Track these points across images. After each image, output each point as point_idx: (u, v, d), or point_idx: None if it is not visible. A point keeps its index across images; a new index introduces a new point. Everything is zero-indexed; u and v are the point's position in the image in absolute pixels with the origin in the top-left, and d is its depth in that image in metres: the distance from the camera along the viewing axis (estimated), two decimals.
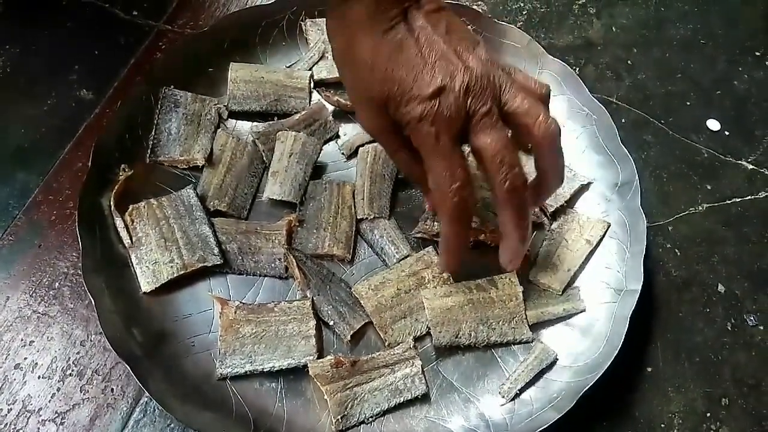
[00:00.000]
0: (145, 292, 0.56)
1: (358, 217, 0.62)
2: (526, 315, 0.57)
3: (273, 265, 0.59)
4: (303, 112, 0.67)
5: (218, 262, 0.58)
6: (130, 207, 0.59)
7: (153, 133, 0.63)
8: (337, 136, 0.67)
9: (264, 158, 0.64)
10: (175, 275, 0.57)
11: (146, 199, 0.60)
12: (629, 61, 0.77)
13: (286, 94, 0.67)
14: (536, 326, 0.58)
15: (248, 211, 0.62)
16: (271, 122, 0.66)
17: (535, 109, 0.50)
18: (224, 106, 0.66)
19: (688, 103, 0.75)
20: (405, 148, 0.53)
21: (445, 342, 0.55)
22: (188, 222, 0.59)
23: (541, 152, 0.52)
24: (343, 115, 0.68)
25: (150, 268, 0.57)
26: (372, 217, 0.61)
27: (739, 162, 0.71)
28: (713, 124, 0.73)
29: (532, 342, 0.57)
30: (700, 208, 0.68)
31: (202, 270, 0.58)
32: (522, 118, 0.50)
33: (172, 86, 0.65)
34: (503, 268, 0.56)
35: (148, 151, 0.62)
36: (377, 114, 0.52)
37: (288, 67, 0.70)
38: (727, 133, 0.73)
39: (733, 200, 0.68)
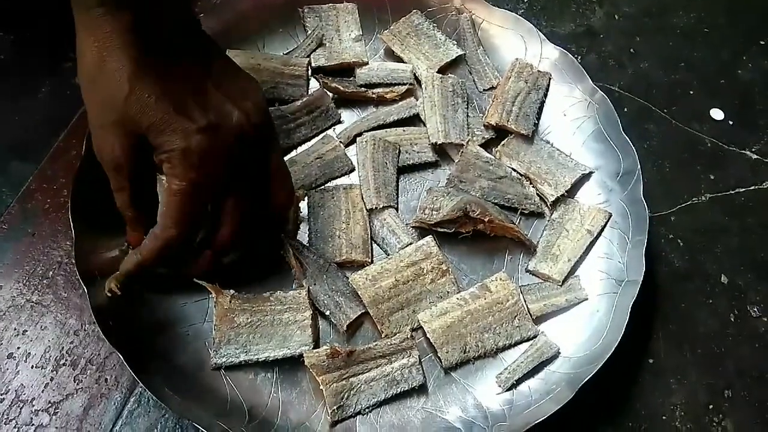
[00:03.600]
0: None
1: (368, 208, 0.61)
2: (528, 310, 0.57)
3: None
4: (304, 99, 0.66)
5: None
6: None
7: None
8: (339, 122, 0.66)
9: None
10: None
11: None
12: (632, 50, 0.76)
13: (283, 82, 0.66)
14: (537, 319, 0.57)
15: None
16: (272, 108, 0.65)
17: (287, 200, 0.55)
18: None
19: (691, 92, 0.73)
20: (133, 186, 0.49)
21: (455, 360, 0.54)
22: None
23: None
24: (342, 102, 0.67)
25: None
26: (381, 206, 0.60)
27: (743, 152, 0.70)
28: (717, 114, 0.72)
29: (537, 337, 0.56)
30: (703, 198, 0.67)
31: None
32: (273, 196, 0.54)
33: None
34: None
35: None
36: (122, 141, 0.46)
37: (285, 54, 0.69)
38: (730, 122, 0.72)
39: (737, 190, 0.67)
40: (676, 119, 0.71)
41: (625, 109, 0.71)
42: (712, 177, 0.68)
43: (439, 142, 0.63)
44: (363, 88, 0.67)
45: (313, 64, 0.68)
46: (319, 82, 0.67)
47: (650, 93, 0.73)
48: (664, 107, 0.72)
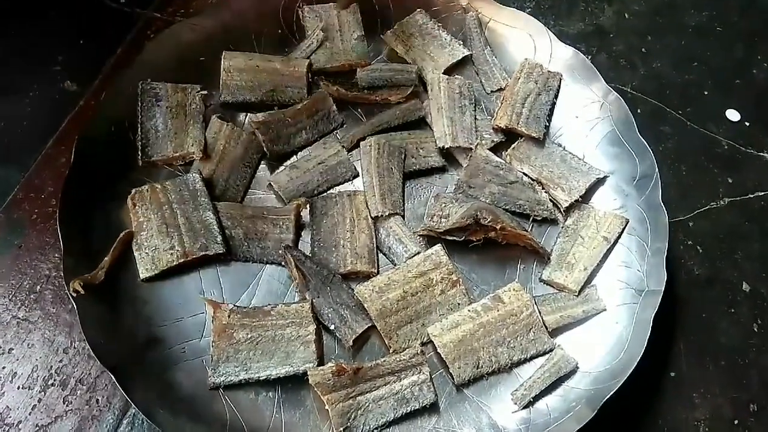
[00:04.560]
0: (142, 279, 0.54)
1: (373, 215, 0.58)
2: (544, 322, 0.54)
3: (281, 251, 0.56)
4: (305, 102, 0.63)
5: (220, 251, 0.55)
6: (133, 191, 0.56)
7: (139, 133, 0.59)
8: (341, 126, 0.64)
9: (265, 148, 0.60)
10: (174, 263, 0.54)
11: (150, 183, 0.57)
12: (643, 49, 0.74)
13: (283, 84, 0.63)
14: (554, 331, 0.54)
15: (242, 202, 0.59)
16: (271, 111, 0.62)
17: None
18: (212, 94, 0.62)
19: (706, 93, 0.71)
20: None
21: (468, 377, 0.52)
22: (192, 208, 0.56)
23: None
24: (344, 104, 0.64)
25: (149, 255, 0.54)
26: (387, 214, 0.58)
27: (761, 154, 0.67)
28: (733, 115, 0.70)
29: (554, 350, 0.53)
30: (722, 202, 0.64)
31: (199, 262, 0.55)
32: None
33: (149, 79, 0.61)
34: None
35: (139, 152, 0.58)
36: None
37: (284, 55, 0.66)
38: (747, 123, 0.69)
39: (756, 194, 0.65)
40: (691, 121, 0.69)
41: (639, 111, 0.68)
42: (730, 180, 0.65)
43: (446, 146, 0.61)
44: (366, 91, 0.64)
45: (313, 66, 0.65)
46: (320, 84, 0.64)
47: (663, 94, 0.70)
48: (678, 108, 0.69)
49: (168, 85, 0.61)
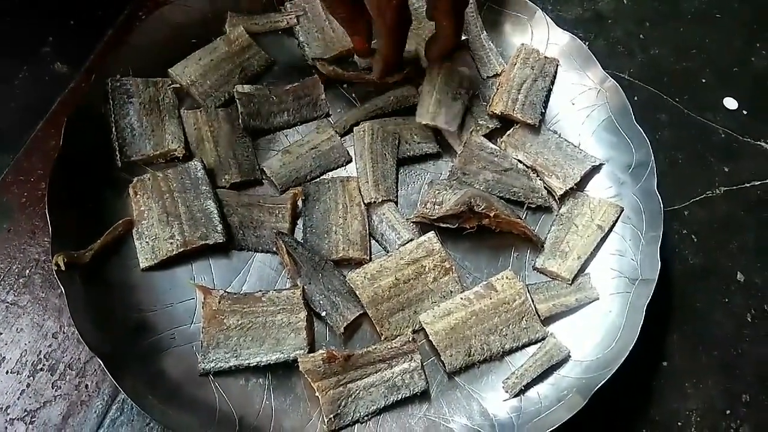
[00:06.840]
0: (143, 269, 0.53)
1: (366, 202, 0.57)
2: (536, 310, 0.53)
3: (273, 237, 0.55)
4: (295, 84, 0.62)
5: (221, 240, 0.54)
6: (135, 179, 0.55)
7: (114, 132, 0.57)
8: (327, 116, 0.63)
9: (240, 120, 0.59)
10: (174, 252, 0.53)
11: (151, 171, 0.56)
12: (641, 36, 0.73)
13: (243, 57, 0.63)
14: (546, 320, 0.54)
15: (260, 170, 0.59)
16: (258, 86, 0.62)
17: None
18: (180, 85, 0.61)
19: (704, 81, 0.70)
20: None
21: (459, 364, 0.51)
22: (193, 196, 0.55)
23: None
24: (338, 90, 0.64)
25: (149, 244, 0.54)
26: (380, 200, 0.57)
27: (758, 143, 0.67)
28: (730, 103, 0.69)
29: (546, 339, 0.53)
30: (718, 191, 0.64)
31: (198, 251, 0.54)
32: None
33: (118, 75, 0.59)
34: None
35: (117, 153, 0.57)
36: None
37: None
38: (745, 112, 0.68)
39: (752, 183, 0.64)
40: (689, 109, 0.68)
41: (635, 98, 0.67)
42: (726, 169, 0.65)
43: (423, 123, 0.60)
44: (363, 71, 0.63)
45: (312, 56, 0.64)
46: (315, 67, 0.63)
47: (661, 81, 0.69)
48: (675, 96, 0.69)
49: (138, 81, 0.59)
